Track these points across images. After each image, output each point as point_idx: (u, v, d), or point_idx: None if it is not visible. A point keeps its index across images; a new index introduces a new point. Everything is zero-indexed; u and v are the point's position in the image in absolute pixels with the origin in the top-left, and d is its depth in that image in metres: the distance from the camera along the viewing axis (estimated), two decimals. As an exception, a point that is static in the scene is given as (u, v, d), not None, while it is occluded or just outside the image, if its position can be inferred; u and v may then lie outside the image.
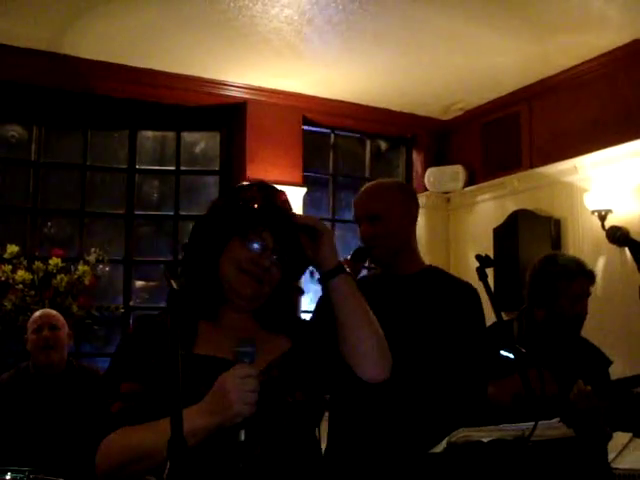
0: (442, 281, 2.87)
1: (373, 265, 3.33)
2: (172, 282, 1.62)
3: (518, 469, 1.52)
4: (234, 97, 6.96)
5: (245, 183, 2.04)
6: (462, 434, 1.50)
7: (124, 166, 6.90)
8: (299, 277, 2.10)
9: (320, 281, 1.93)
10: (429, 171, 7.74)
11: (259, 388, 1.66)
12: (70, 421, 4.23)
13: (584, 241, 6.21)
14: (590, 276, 3.51)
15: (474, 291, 2.82)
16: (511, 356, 2.19)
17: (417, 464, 1.35)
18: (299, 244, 1.99)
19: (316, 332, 2.06)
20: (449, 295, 2.78)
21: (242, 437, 1.63)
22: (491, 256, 2.86)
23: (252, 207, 1.96)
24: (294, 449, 1.85)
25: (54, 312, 4.73)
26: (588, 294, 3.48)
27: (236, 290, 1.94)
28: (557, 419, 1.62)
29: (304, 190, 7.07)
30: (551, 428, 1.59)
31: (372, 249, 2.87)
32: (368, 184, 3.08)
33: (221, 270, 1.93)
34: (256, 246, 1.93)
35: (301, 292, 2.14)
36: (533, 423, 1.51)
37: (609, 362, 3.53)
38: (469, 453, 1.46)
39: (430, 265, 3.00)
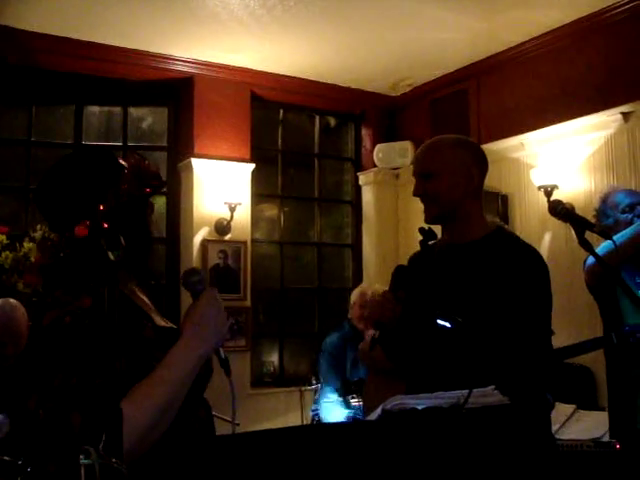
0: (504, 248, 2.68)
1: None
2: (110, 254, 1.64)
3: (453, 436, 1.54)
4: (182, 72, 6.89)
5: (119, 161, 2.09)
6: (397, 401, 1.50)
7: (70, 142, 6.79)
8: None
9: None
10: (378, 147, 7.76)
11: None
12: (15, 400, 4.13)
13: (531, 216, 6.28)
14: None
15: (539, 257, 2.69)
16: (448, 325, 2.20)
17: (354, 432, 1.36)
18: None
19: None
20: (510, 263, 2.60)
21: (222, 355, 1.79)
22: (439, 232, 2.86)
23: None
24: None
25: (14, 314, 4.04)
26: None
27: None
28: (492, 387, 1.63)
29: (252, 166, 7.04)
30: (486, 396, 1.60)
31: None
32: (430, 139, 2.93)
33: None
34: None
35: None
36: (467, 390, 1.52)
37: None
38: (404, 420, 1.47)
39: (497, 227, 2.82)
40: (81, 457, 1.35)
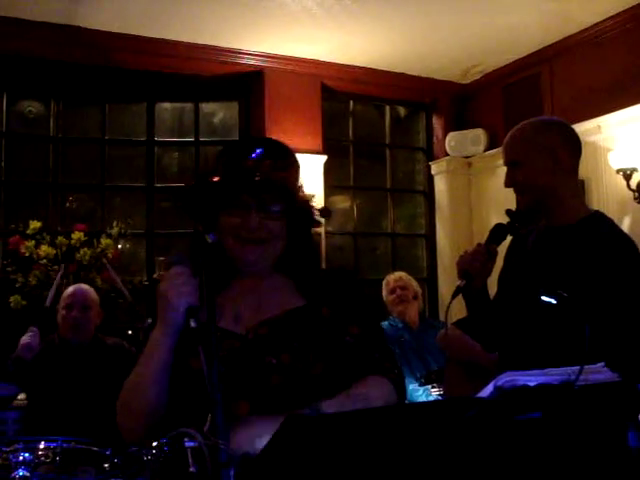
0: (594, 235, 2.56)
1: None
2: (206, 237, 1.71)
3: (565, 414, 1.50)
4: (251, 65, 6.91)
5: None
6: (508, 378, 1.47)
7: (143, 138, 6.89)
8: (307, 222, 2.04)
9: None
10: (450, 136, 7.68)
11: (194, 281, 1.76)
12: (94, 392, 4.28)
13: (609, 201, 6.14)
14: None
15: (628, 246, 2.56)
16: (553, 301, 2.15)
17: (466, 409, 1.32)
18: (287, 189, 1.94)
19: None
20: (597, 251, 2.50)
21: (192, 324, 1.70)
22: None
23: (214, 182, 1.96)
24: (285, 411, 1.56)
25: (87, 289, 4.75)
26: None
27: (239, 258, 1.96)
28: (602, 363, 1.59)
29: (324, 157, 7.03)
30: (596, 372, 1.56)
31: (514, 222, 2.72)
32: (516, 126, 2.83)
33: (224, 243, 1.94)
34: (237, 215, 1.92)
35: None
36: (578, 367, 1.48)
37: None
38: (516, 397, 1.44)
39: (593, 212, 2.73)
40: (185, 440, 1.36)
